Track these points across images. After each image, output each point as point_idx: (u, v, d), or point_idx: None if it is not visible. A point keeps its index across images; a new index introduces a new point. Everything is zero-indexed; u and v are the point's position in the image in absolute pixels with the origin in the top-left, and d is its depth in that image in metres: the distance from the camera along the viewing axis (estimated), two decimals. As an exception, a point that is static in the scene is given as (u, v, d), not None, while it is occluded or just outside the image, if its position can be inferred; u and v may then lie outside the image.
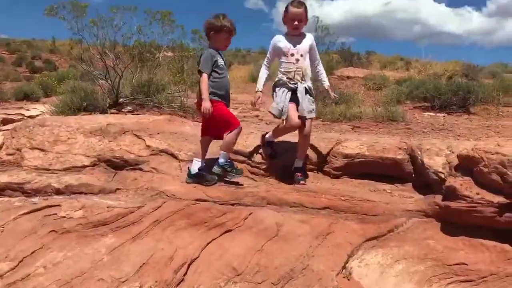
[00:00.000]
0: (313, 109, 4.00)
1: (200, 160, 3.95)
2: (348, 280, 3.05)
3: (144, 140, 4.85)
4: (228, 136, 3.82)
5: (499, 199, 3.13)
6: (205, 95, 3.70)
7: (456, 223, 3.35)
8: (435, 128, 7.52)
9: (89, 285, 2.56)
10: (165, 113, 7.83)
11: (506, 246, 3.13)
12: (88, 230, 3.07)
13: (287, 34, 3.99)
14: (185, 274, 2.86)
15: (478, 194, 3.23)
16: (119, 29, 9.71)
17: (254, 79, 20.19)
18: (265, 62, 4.10)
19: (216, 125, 3.86)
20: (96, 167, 4.32)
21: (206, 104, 3.68)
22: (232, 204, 3.62)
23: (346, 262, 3.18)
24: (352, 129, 7.58)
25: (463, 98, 10.96)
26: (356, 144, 4.34)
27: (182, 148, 4.67)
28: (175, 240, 3.11)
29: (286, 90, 3.90)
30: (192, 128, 5.54)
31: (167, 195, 3.65)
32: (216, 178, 3.90)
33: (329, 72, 18.55)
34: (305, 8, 3.85)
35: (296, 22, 3.85)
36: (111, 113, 8.56)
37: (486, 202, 3.17)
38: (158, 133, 5.16)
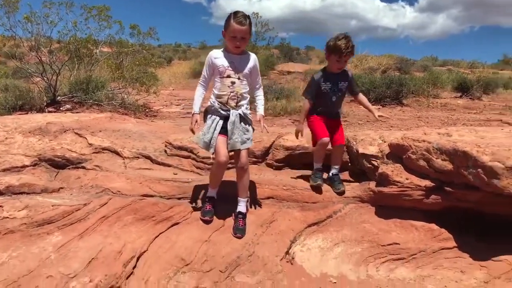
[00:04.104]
0: (248, 138, 3.45)
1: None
2: (292, 264, 3.23)
3: (86, 138, 4.80)
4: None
5: (426, 182, 3.43)
6: (300, 118, 4.00)
7: (389, 207, 3.63)
8: (370, 120, 7.93)
9: (38, 283, 2.56)
10: (106, 111, 7.72)
11: (433, 225, 3.44)
12: (33, 230, 3.04)
13: (226, 50, 3.45)
14: (135, 267, 2.92)
15: (407, 179, 3.52)
16: (55, 25, 9.41)
17: (195, 75, 20.17)
18: (201, 81, 3.56)
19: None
20: (37, 166, 4.23)
21: (298, 127, 3.97)
22: (179, 198, 3.70)
23: (289, 247, 3.36)
24: (293, 123, 7.83)
25: (396, 91, 11.59)
26: (296, 137, 4.53)
27: (126, 145, 4.67)
28: (123, 235, 3.15)
29: (218, 119, 3.41)
30: (135, 125, 5.53)
31: (112, 192, 3.66)
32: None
33: (270, 67, 18.91)
34: (250, 23, 3.30)
35: (238, 42, 3.31)
36: (49, 111, 8.31)
37: (414, 186, 3.46)
38: (100, 131, 5.12)
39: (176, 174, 4.11)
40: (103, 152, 4.58)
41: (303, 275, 3.12)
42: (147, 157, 4.47)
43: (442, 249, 3.31)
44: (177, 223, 3.43)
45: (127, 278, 2.81)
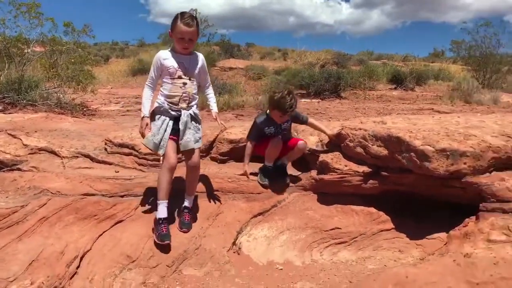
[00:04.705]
0: (200, 137, 3.47)
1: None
2: (239, 254, 3.28)
3: (20, 139, 4.60)
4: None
5: (363, 168, 3.59)
6: (245, 161, 3.96)
7: (330, 193, 3.76)
8: (310, 112, 8.13)
9: (-26, 289, 2.45)
10: (41, 111, 7.39)
11: (372, 209, 3.61)
12: (-34, 235, 2.90)
13: (174, 51, 3.36)
14: (78, 267, 2.86)
15: (346, 166, 3.66)
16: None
17: (134, 72, 19.74)
18: (148, 83, 3.39)
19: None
20: (-33, 171, 4.01)
21: (244, 167, 3.95)
22: (122, 196, 3.64)
23: (236, 238, 3.42)
24: (236, 117, 7.88)
25: (334, 84, 11.94)
26: (239, 130, 4.58)
27: (64, 145, 4.52)
28: (65, 235, 3.07)
29: (167, 119, 3.32)
30: (73, 124, 5.37)
31: (51, 193, 3.54)
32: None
33: (212, 64, 18.85)
34: (197, 24, 3.25)
35: (186, 44, 3.26)
36: (-23, 114, 7.85)
37: (353, 172, 3.61)
38: (35, 131, 4.93)
39: (118, 171, 4.03)
40: (39, 153, 4.40)
41: (250, 264, 3.19)
42: (87, 156, 4.35)
43: (381, 231, 3.47)
44: (121, 221, 3.38)
45: (70, 278, 2.76)
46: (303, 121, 4.02)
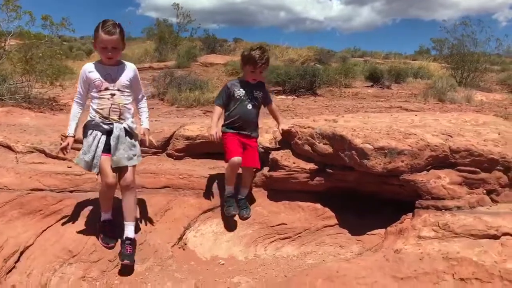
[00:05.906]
0: (136, 154, 3.18)
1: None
2: (184, 250, 3.33)
3: (-24, 133, 4.59)
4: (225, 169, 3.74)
5: (310, 166, 3.66)
6: (211, 124, 3.63)
7: (279, 190, 3.82)
8: (280, 109, 8.16)
9: None
10: (7, 105, 7.33)
11: (318, 205, 3.68)
12: None
13: (101, 62, 3.17)
14: (18, 261, 2.87)
15: (294, 163, 3.72)
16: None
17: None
18: (76, 98, 3.19)
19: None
20: None
21: (210, 131, 3.61)
22: (71, 191, 3.66)
23: (183, 234, 3.47)
24: (204, 113, 7.90)
25: (310, 81, 11.99)
26: (197, 126, 4.60)
27: (20, 140, 4.52)
28: (7, 230, 3.08)
29: (100, 134, 3.08)
30: (32, 119, 5.36)
31: (-1, 188, 3.55)
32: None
33: (193, 59, 18.83)
34: (120, 31, 3.05)
35: (109, 53, 3.05)
36: None
37: (301, 169, 3.68)
38: (-7, 126, 4.92)
39: (70, 167, 4.04)
40: (-5, 148, 4.40)
41: (193, 259, 3.24)
42: (42, 151, 4.35)
43: (325, 226, 3.55)
44: (67, 216, 3.39)
45: (7, 273, 2.77)
46: (269, 99, 3.93)
